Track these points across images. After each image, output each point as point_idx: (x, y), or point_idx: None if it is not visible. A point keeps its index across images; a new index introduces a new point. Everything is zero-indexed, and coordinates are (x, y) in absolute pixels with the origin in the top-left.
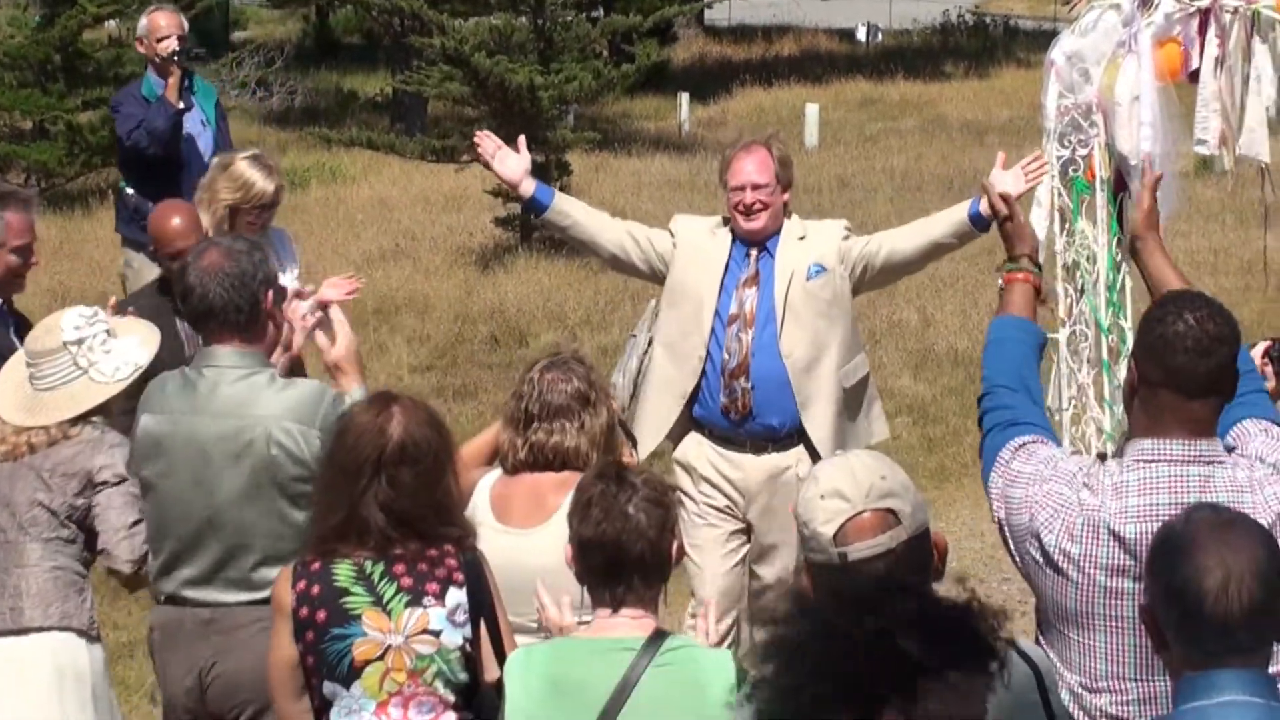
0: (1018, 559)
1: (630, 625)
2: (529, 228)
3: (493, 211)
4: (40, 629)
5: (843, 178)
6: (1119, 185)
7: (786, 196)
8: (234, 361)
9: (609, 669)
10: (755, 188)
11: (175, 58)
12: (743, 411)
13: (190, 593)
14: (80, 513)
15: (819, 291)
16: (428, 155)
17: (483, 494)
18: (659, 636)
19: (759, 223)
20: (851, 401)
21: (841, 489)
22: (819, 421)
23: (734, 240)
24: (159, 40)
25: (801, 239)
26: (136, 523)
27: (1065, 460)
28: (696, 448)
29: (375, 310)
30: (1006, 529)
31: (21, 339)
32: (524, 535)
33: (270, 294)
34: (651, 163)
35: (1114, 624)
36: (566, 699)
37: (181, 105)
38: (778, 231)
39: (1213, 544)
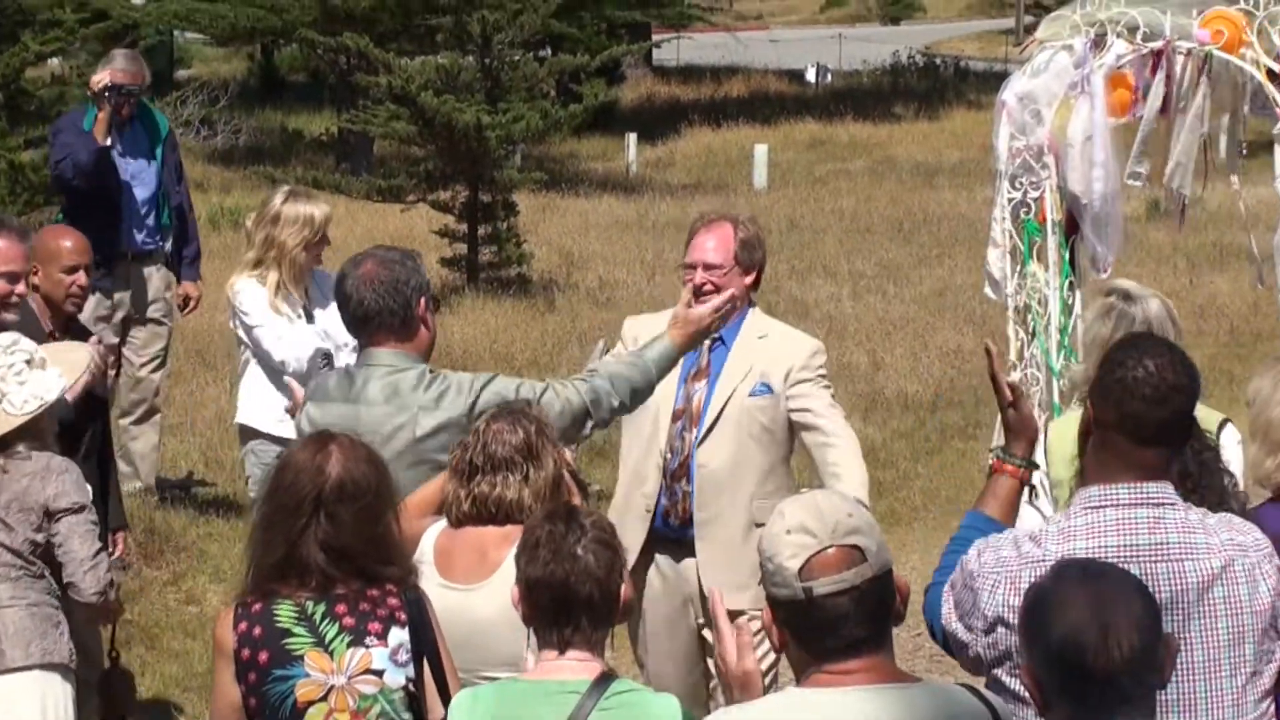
0: (1003, 679)
1: (577, 667)
2: (475, 268)
3: (439, 251)
4: (24, 668)
5: (792, 219)
6: (1070, 228)
7: (749, 281)
8: (389, 361)
9: (554, 712)
10: (708, 268)
11: (107, 94)
12: (682, 516)
13: None
14: (42, 548)
15: (757, 413)
16: (374, 195)
17: (427, 545)
18: (605, 679)
19: (707, 307)
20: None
21: (808, 524)
22: (712, 546)
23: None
24: (96, 76)
25: (762, 338)
26: (99, 552)
27: (1005, 541)
28: (643, 558)
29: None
30: (986, 661)
31: None
32: (467, 591)
33: (423, 300)
34: (599, 203)
35: None
36: None
37: (108, 143)
38: (739, 322)
39: (1085, 598)
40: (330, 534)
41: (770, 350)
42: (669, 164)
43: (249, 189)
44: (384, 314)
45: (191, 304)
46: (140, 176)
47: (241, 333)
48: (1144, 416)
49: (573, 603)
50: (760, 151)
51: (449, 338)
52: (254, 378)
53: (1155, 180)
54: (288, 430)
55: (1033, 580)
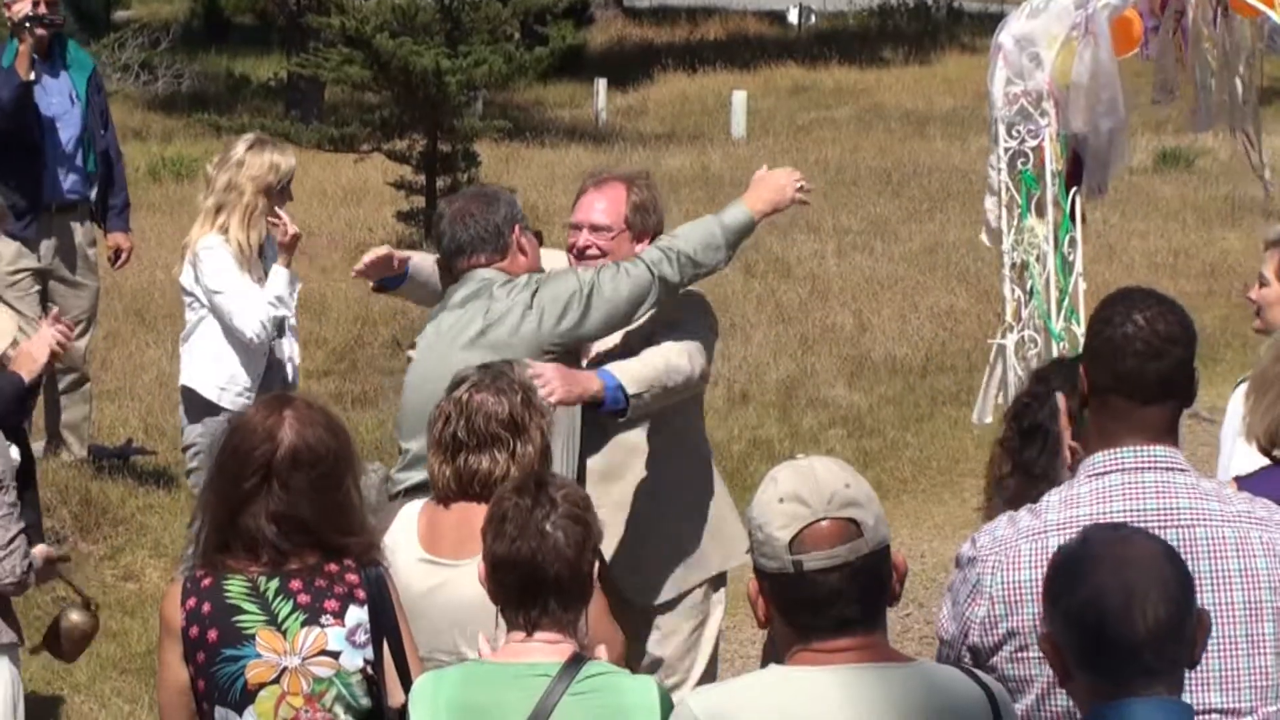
0: (999, 668)
1: (546, 649)
2: (434, 223)
3: (395, 205)
4: None
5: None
6: (1071, 179)
7: (640, 248)
8: (482, 276)
9: (522, 695)
10: (594, 229)
11: (28, 25)
12: None
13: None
14: None
15: None
16: (324, 144)
17: (409, 521)
18: (576, 661)
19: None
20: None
21: (801, 494)
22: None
23: None
24: (13, 4)
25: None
26: (14, 538)
27: (1001, 521)
28: None
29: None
30: (984, 649)
31: None
32: (454, 567)
33: (517, 227)
34: (566, 154)
35: None
36: None
37: (31, 77)
38: None
39: (1112, 562)
40: (282, 504)
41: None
42: (641, 112)
43: (192, 138)
44: (476, 242)
45: (124, 256)
46: (64, 118)
47: (200, 294)
48: (1140, 374)
49: (540, 583)
50: (739, 98)
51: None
52: (207, 339)
53: (1184, 104)
54: (234, 402)
55: (1033, 554)
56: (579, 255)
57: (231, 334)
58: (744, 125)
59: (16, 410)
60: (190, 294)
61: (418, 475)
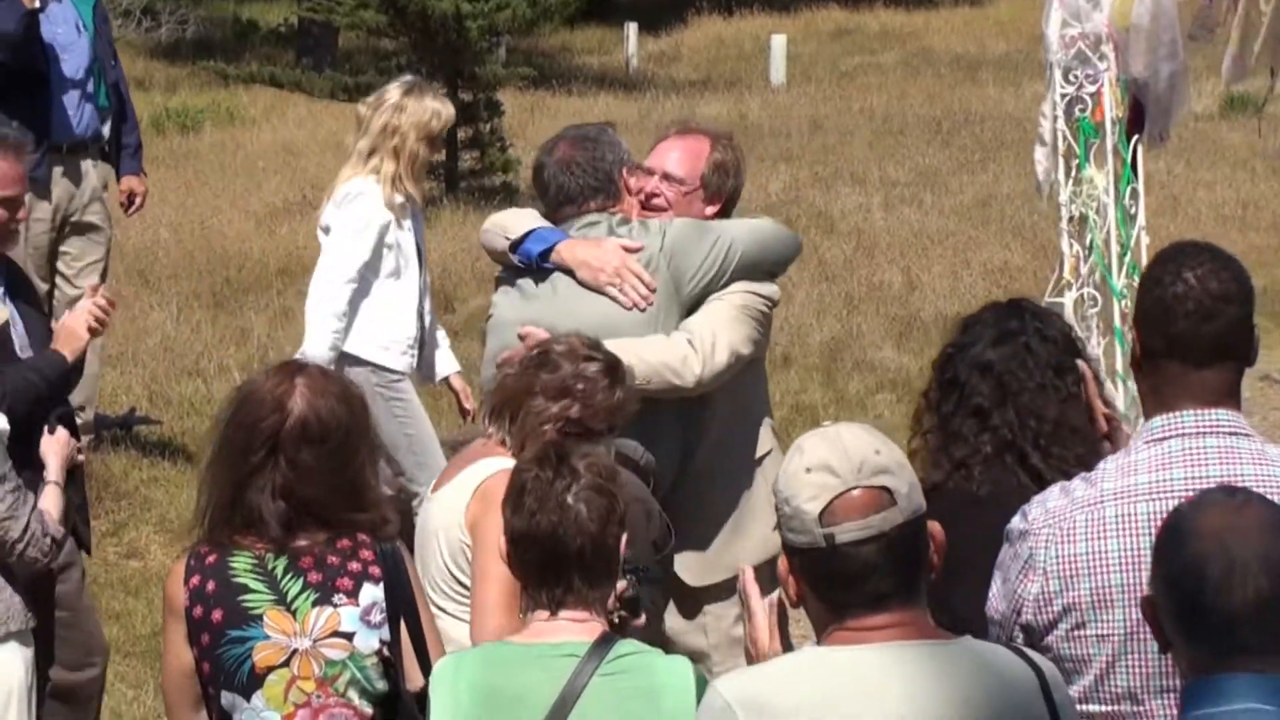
0: (1054, 648)
1: (573, 628)
2: (455, 176)
3: None
4: None
5: (815, 120)
6: (1132, 126)
7: (711, 213)
8: (592, 217)
9: (549, 678)
10: (666, 178)
11: None
12: None
13: None
14: None
15: None
16: (338, 94)
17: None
18: (606, 641)
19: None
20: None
21: (830, 463)
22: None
23: None
24: None
25: None
26: (28, 525)
27: (1052, 492)
28: None
29: (280, 271)
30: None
31: (18, 297)
32: (431, 498)
33: (625, 170)
34: (594, 103)
35: (1138, 629)
36: (501, 712)
37: (37, 4)
38: None
39: (1218, 528)
40: (290, 480)
41: None
42: (674, 58)
43: (197, 87)
44: (586, 192)
45: (138, 201)
46: (71, 49)
47: (323, 237)
48: (1194, 336)
49: (562, 559)
50: (778, 43)
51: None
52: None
53: (1220, 46)
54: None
55: (1089, 525)
56: (645, 201)
57: (330, 278)
58: (783, 71)
59: (61, 390)
60: (326, 230)
61: None
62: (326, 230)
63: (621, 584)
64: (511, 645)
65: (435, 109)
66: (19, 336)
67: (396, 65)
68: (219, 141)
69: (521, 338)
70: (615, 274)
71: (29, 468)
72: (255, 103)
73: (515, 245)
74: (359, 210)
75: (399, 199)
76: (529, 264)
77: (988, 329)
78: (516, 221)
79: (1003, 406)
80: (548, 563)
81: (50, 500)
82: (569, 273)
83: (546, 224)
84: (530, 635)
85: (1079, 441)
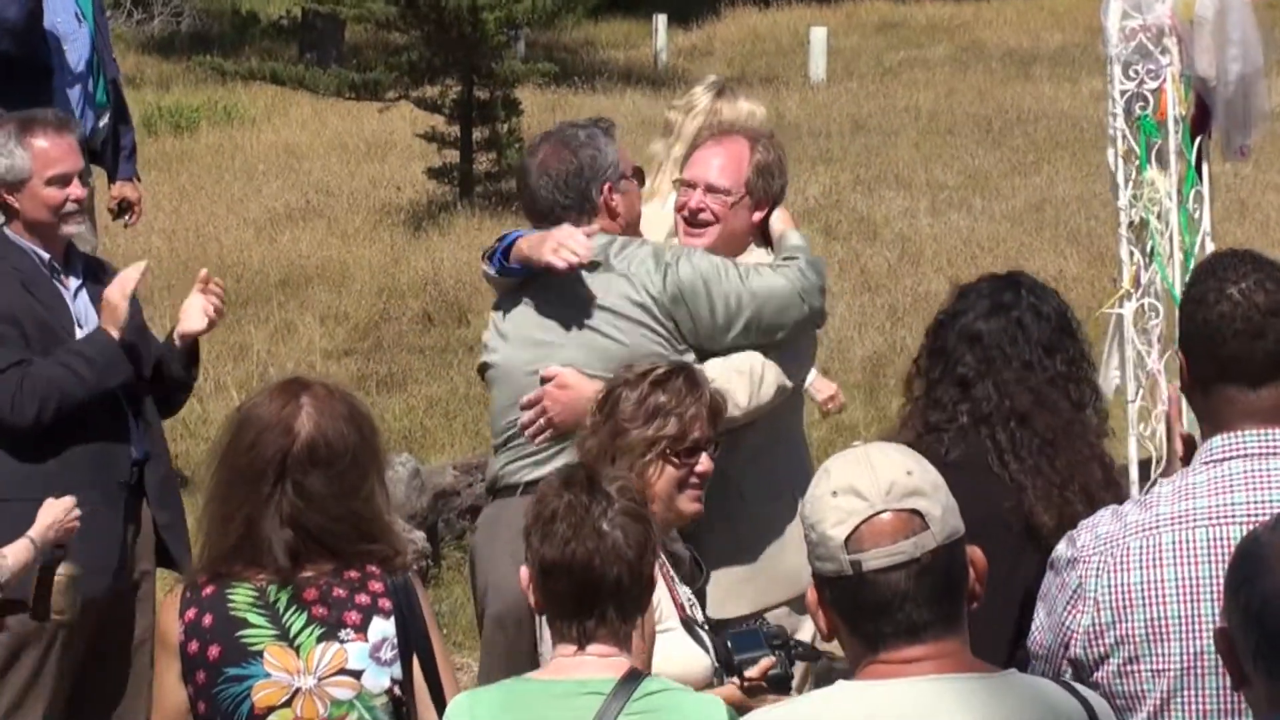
0: (1105, 684)
1: (598, 665)
2: (470, 179)
3: (425, 160)
4: None
5: (856, 118)
6: (1197, 126)
7: (758, 218)
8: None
9: (571, 716)
10: (710, 190)
11: None
12: None
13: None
14: None
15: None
16: (345, 91)
17: None
18: (633, 678)
19: (703, 239)
20: None
21: (857, 485)
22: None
23: None
24: None
25: None
26: None
27: (1103, 517)
28: None
29: (281, 282)
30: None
31: (98, 287)
32: None
33: (607, 185)
34: (621, 101)
35: (1196, 663)
36: None
37: None
38: None
39: None
40: (298, 508)
41: None
42: (706, 52)
43: (192, 84)
44: (556, 209)
45: (135, 212)
46: (72, 39)
47: None
48: (1247, 356)
49: (598, 589)
50: (818, 36)
51: (438, 266)
52: None
53: None
54: None
55: (1143, 552)
56: (690, 219)
57: None
58: (824, 67)
59: (116, 365)
60: None
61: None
62: None
63: (769, 660)
64: (532, 682)
65: (750, 110)
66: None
67: (407, 60)
68: (216, 143)
69: (544, 380)
70: (555, 241)
71: (94, 465)
72: (255, 101)
73: (489, 255)
74: None
75: None
76: (503, 272)
77: (982, 299)
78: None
79: (985, 379)
80: (583, 594)
81: (15, 551)
82: (537, 273)
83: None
84: (553, 672)
85: (1050, 428)
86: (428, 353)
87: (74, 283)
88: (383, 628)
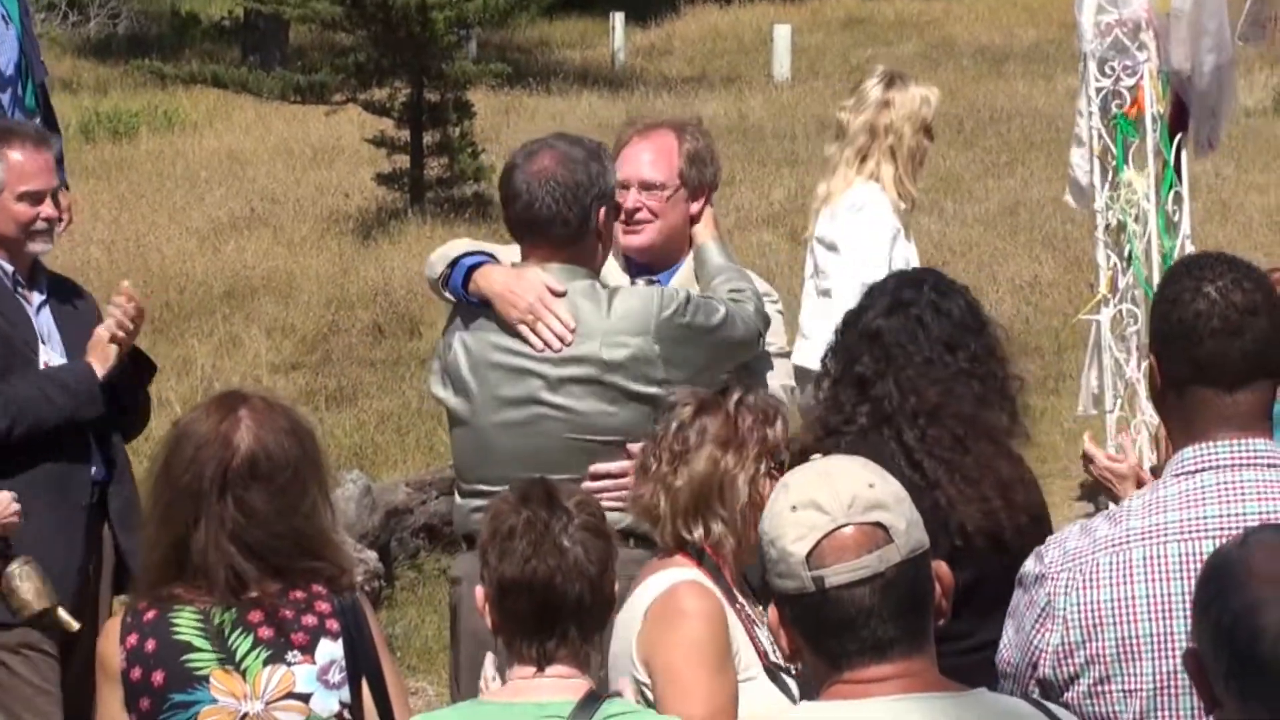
0: (1075, 704)
1: (557, 687)
2: (420, 185)
3: (374, 165)
4: None
5: (822, 119)
6: (1176, 123)
7: (696, 209)
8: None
9: None
10: (644, 187)
11: None
12: None
13: None
14: None
15: None
16: (290, 94)
17: None
18: (593, 699)
19: (641, 238)
20: None
21: (818, 499)
22: None
23: (626, 264)
24: None
25: None
26: None
27: (1071, 532)
28: None
29: (225, 294)
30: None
31: (65, 304)
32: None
33: (604, 210)
34: (577, 103)
35: (1169, 682)
36: None
37: None
38: (676, 262)
39: (1273, 572)
40: (239, 524)
41: None
42: (665, 52)
43: (131, 89)
44: (556, 224)
45: (65, 220)
46: (2, 41)
47: (826, 255)
48: (1222, 356)
49: (559, 607)
50: (781, 34)
51: (389, 275)
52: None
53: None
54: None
55: (1113, 568)
56: (628, 219)
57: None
58: (788, 66)
59: (92, 399)
60: (832, 248)
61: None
62: (828, 245)
63: None
64: (488, 704)
65: (923, 95)
66: (55, 346)
67: (354, 62)
68: (156, 149)
69: (595, 478)
70: (528, 310)
71: (52, 486)
72: (196, 105)
73: (445, 279)
74: (872, 221)
75: (903, 205)
76: (460, 298)
77: (884, 297)
78: (449, 252)
79: (884, 378)
80: (543, 613)
81: None
82: (488, 304)
83: (483, 247)
84: (510, 694)
85: (959, 423)
86: (378, 366)
87: (38, 298)
88: (330, 650)
